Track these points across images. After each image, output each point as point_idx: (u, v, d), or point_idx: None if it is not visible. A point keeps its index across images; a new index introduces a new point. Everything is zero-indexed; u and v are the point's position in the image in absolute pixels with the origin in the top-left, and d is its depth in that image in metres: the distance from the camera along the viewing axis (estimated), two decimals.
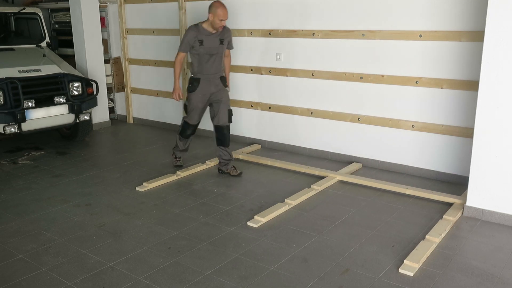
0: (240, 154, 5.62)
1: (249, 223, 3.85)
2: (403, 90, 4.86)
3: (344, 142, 5.37)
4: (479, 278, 3.06)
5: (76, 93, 5.96)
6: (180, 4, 6.38)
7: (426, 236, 3.53)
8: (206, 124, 6.69)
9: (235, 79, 6.16)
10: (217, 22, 4.54)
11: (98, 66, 7.11)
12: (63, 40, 7.43)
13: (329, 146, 5.52)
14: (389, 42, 4.84)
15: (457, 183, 4.62)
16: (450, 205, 4.14)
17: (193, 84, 4.76)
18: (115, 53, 7.49)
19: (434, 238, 3.50)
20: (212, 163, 5.32)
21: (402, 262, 3.21)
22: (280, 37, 5.62)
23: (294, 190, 4.51)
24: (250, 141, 6.18)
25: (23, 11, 6.68)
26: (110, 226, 3.86)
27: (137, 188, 4.68)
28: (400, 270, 3.14)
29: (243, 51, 5.99)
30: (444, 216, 3.87)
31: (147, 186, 4.70)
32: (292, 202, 4.22)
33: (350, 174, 4.93)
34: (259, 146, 6.04)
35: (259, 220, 3.87)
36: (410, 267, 3.14)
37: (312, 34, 5.34)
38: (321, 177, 4.83)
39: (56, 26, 7.97)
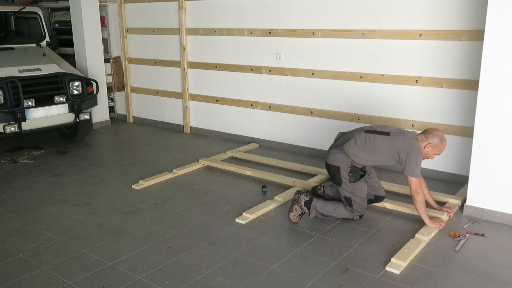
0: (237, 153, 5.63)
1: (236, 220, 3.90)
2: (403, 89, 4.86)
3: None
4: (479, 277, 3.06)
5: (76, 92, 5.96)
6: (180, 3, 6.38)
7: (416, 235, 3.53)
8: (206, 123, 6.71)
9: (235, 78, 6.16)
10: (431, 155, 3.71)
11: (98, 66, 7.11)
12: (63, 39, 7.43)
13: (329, 145, 5.49)
14: (389, 41, 4.84)
15: (457, 182, 4.62)
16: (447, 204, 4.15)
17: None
18: (115, 52, 7.49)
19: (423, 236, 3.51)
20: (207, 162, 5.31)
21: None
22: (280, 37, 5.62)
23: (288, 187, 4.52)
24: (250, 140, 6.18)
25: (23, 10, 6.68)
26: (110, 225, 3.87)
27: (133, 186, 4.68)
28: (387, 268, 3.14)
29: (243, 51, 5.99)
30: (433, 215, 3.87)
31: (143, 184, 4.71)
32: (281, 199, 4.26)
33: None
34: (256, 145, 6.04)
35: (247, 217, 3.92)
36: (397, 265, 3.16)
37: (312, 33, 5.34)
38: (317, 176, 4.83)
39: (56, 25, 7.98)
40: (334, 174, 3.76)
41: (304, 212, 3.83)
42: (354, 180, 3.71)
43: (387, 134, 3.64)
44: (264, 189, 4.49)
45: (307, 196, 3.82)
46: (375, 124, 3.92)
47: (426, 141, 3.63)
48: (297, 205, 3.82)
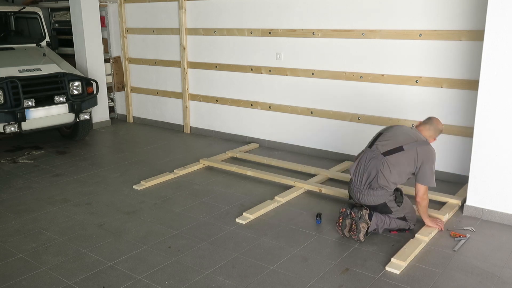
0: (237, 152, 5.63)
1: (236, 220, 3.90)
2: (403, 89, 4.86)
3: (344, 142, 5.37)
4: (479, 277, 3.06)
5: (76, 92, 5.96)
6: (180, 3, 6.38)
7: (416, 235, 3.54)
8: (206, 123, 6.71)
9: (235, 78, 6.16)
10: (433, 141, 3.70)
11: (98, 66, 7.11)
12: (63, 39, 7.43)
13: (329, 145, 5.52)
14: (389, 41, 4.83)
15: (457, 182, 4.62)
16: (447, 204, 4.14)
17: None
18: (115, 52, 7.49)
19: (423, 236, 3.51)
20: (208, 162, 5.31)
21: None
22: (280, 37, 5.62)
23: (288, 187, 4.52)
24: (250, 140, 6.18)
25: (23, 10, 6.68)
26: (110, 225, 3.87)
27: (134, 187, 4.68)
28: (387, 268, 3.14)
29: (243, 51, 5.99)
30: (434, 215, 3.87)
31: (144, 184, 4.71)
32: (281, 199, 4.27)
33: (341, 172, 4.97)
34: (256, 145, 6.04)
35: (247, 217, 3.93)
36: (397, 265, 3.16)
37: (312, 33, 5.34)
38: (317, 176, 4.83)
39: (56, 25, 7.98)
40: (381, 210, 3.56)
41: (369, 226, 3.53)
42: (401, 201, 3.58)
43: (402, 149, 3.49)
44: (319, 219, 3.87)
45: (366, 209, 3.55)
46: (381, 138, 3.63)
47: (433, 137, 3.67)
48: (363, 223, 3.48)
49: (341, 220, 3.57)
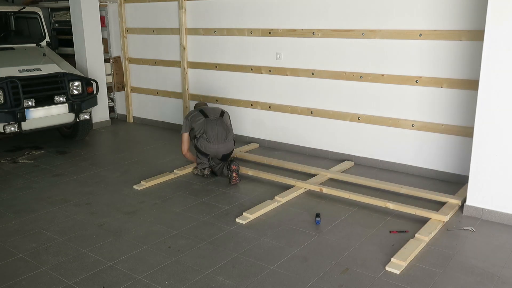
0: (237, 152, 5.63)
1: (236, 220, 3.91)
2: (403, 89, 4.86)
3: (344, 141, 5.37)
4: (479, 277, 3.06)
5: (76, 92, 5.96)
6: (180, 3, 6.38)
7: (416, 235, 3.54)
8: None
9: (235, 78, 6.16)
10: None
11: (98, 65, 7.11)
12: (63, 39, 7.43)
13: (329, 145, 5.52)
14: (389, 41, 4.84)
15: (457, 182, 4.62)
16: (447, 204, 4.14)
17: None
18: (115, 52, 7.49)
19: (423, 236, 3.51)
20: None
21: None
22: (280, 36, 5.62)
23: (288, 187, 4.52)
24: (250, 140, 6.18)
25: (23, 10, 6.68)
26: (110, 225, 3.87)
27: (134, 187, 4.68)
28: (387, 268, 3.14)
29: (243, 51, 5.99)
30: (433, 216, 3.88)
31: (145, 184, 4.71)
32: (281, 199, 4.27)
33: (341, 172, 4.97)
34: (256, 145, 6.04)
35: (247, 217, 3.93)
36: (397, 265, 3.16)
37: (312, 33, 5.34)
38: (317, 176, 4.83)
39: (56, 25, 7.99)
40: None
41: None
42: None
43: (222, 115, 5.10)
44: (318, 219, 3.87)
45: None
46: (209, 112, 5.00)
47: None
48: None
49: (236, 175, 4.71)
